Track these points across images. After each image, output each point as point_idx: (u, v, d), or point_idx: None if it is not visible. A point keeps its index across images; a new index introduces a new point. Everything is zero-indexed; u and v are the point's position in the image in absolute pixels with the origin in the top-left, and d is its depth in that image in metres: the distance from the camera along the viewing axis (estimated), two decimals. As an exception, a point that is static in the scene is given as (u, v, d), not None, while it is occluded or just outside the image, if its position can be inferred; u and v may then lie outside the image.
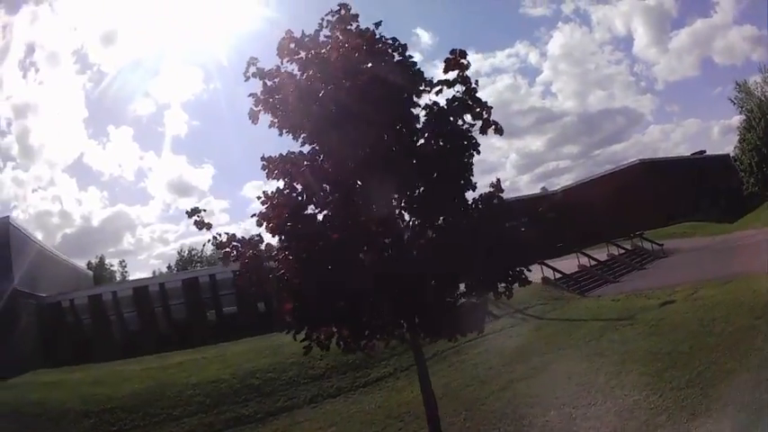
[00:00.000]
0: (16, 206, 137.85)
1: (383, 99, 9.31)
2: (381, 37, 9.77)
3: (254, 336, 32.16)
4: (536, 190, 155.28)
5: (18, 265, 42.19)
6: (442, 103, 10.09)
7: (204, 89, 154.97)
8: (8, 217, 45.12)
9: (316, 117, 9.48)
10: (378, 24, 9.76)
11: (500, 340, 22.64)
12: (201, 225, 9.78)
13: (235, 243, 9.91)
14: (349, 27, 9.66)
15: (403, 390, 18.64)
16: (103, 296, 50.68)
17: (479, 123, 10.02)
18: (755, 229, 39.13)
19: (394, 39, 9.90)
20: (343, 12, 9.70)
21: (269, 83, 9.85)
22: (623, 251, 39.52)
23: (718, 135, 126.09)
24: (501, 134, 10.18)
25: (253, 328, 35.99)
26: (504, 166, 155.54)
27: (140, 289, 51.23)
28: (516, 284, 10.33)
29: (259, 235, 9.92)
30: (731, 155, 64.98)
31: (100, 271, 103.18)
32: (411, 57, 9.98)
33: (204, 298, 49.83)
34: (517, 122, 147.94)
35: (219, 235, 9.85)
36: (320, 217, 9.80)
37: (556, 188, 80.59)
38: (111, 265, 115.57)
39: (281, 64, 9.89)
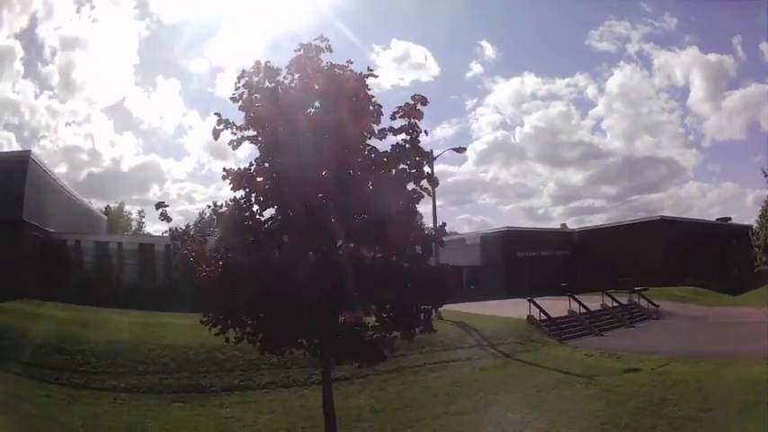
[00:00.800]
0: (45, 135, 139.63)
1: (337, 139, 9.97)
2: (348, 71, 10.43)
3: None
4: (569, 223, 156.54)
5: (31, 198, 43.52)
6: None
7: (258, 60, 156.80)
8: (29, 152, 47.09)
9: (275, 144, 10.30)
10: (349, 62, 10.50)
11: (460, 369, 23.26)
12: (164, 217, 10.80)
13: (184, 238, 10.87)
14: (318, 61, 10.39)
15: (351, 395, 19.25)
16: (110, 244, 51.88)
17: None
18: (754, 309, 38.59)
19: (361, 73, 10.52)
20: (313, 48, 10.44)
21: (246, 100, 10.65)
22: (617, 305, 39.38)
23: (752, 203, 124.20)
24: (436, 185, 11.01)
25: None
26: (542, 193, 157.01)
27: (146, 246, 52.33)
28: (419, 329, 10.59)
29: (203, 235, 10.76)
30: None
31: (116, 217, 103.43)
32: (373, 97, 10.55)
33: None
34: (562, 153, 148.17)
35: (176, 229, 10.78)
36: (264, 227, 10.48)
37: (581, 226, 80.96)
38: (130, 214, 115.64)
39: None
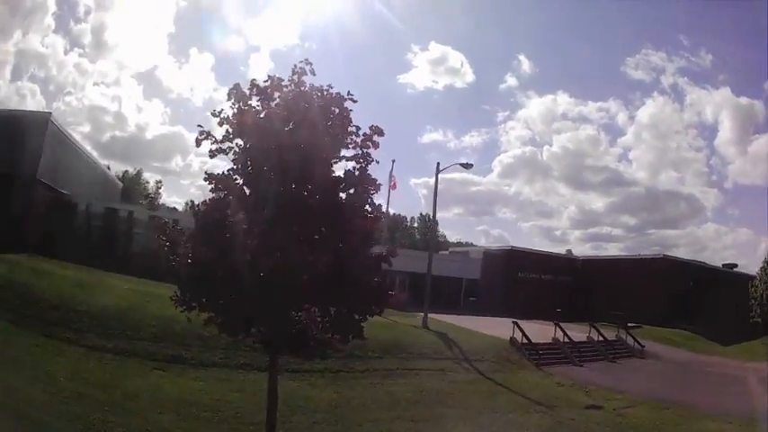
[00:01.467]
0: (71, 92, 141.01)
1: (306, 157, 11.03)
2: (329, 94, 11.49)
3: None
4: (585, 248, 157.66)
5: (47, 157, 44.62)
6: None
7: (297, 44, 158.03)
8: (50, 113, 48.32)
9: (251, 156, 11.47)
10: (330, 86, 11.54)
11: (429, 379, 24.12)
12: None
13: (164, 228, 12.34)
14: (300, 83, 11.52)
15: (318, 387, 20.26)
16: (120, 212, 53.21)
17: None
18: (739, 361, 39.43)
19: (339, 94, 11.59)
20: (297, 70, 11.55)
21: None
22: (602, 339, 39.61)
23: (762, 253, 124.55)
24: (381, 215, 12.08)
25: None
26: (561, 215, 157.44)
27: (156, 218, 53.04)
28: (351, 335, 11.61)
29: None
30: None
31: (133, 184, 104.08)
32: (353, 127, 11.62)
33: None
34: (587, 177, 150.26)
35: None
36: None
37: (585, 254, 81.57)
38: (147, 182, 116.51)
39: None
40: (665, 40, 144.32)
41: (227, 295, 11.13)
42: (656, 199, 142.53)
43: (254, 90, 11.58)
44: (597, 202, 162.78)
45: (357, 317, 11.45)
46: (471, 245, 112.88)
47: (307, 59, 11.64)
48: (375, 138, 11.58)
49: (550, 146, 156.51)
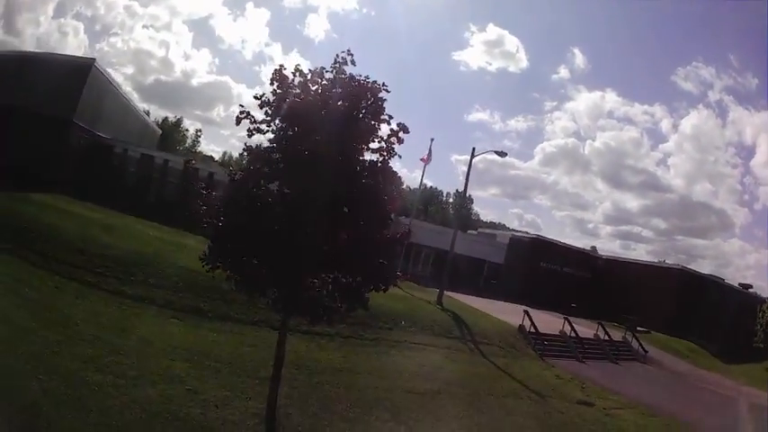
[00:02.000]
0: (117, 33, 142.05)
1: (334, 144, 11.95)
2: (366, 82, 12.30)
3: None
4: (614, 244, 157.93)
5: (87, 101, 46.41)
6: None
7: (356, 9, 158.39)
8: (94, 60, 49.48)
9: (292, 135, 12.33)
10: (367, 77, 12.38)
11: (432, 355, 25.11)
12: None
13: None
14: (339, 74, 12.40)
15: (326, 349, 21.15)
16: (156, 159, 53.92)
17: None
18: (736, 383, 39.68)
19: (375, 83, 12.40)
20: (338, 61, 12.42)
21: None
22: (608, 339, 39.98)
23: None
24: (395, 210, 13.05)
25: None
26: (596, 209, 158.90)
27: (192, 169, 53.90)
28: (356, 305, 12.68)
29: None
30: (769, 302, 64.90)
31: (172, 132, 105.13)
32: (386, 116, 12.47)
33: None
34: (625, 176, 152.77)
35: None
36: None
37: (608, 254, 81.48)
38: (186, 130, 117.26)
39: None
40: (716, 56, 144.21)
41: (250, 259, 11.92)
42: (688, 207, 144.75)
43: (298, 75, 12.31)
44: (632, 202, 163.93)
45: (363, 290, 12.22)
46: (503, 226, 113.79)
47: (348, 50, 12.48)
48: (401, 134, 12.46)
49: (593, 141, 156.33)
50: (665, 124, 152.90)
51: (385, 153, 12.50)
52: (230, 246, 12.19)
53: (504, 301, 45.20)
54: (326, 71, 12.45)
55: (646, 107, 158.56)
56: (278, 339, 13.38)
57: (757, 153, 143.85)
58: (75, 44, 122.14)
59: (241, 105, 12.64)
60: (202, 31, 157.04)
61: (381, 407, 16.95)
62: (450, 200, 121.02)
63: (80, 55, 57.16)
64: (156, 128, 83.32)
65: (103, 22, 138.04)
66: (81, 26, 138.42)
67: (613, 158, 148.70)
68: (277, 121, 12.47)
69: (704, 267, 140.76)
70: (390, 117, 12.44)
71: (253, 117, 12.55)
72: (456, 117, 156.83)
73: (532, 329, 33.94)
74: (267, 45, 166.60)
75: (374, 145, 12.56)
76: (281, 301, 12.69)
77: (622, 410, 23.68)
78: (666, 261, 72.71)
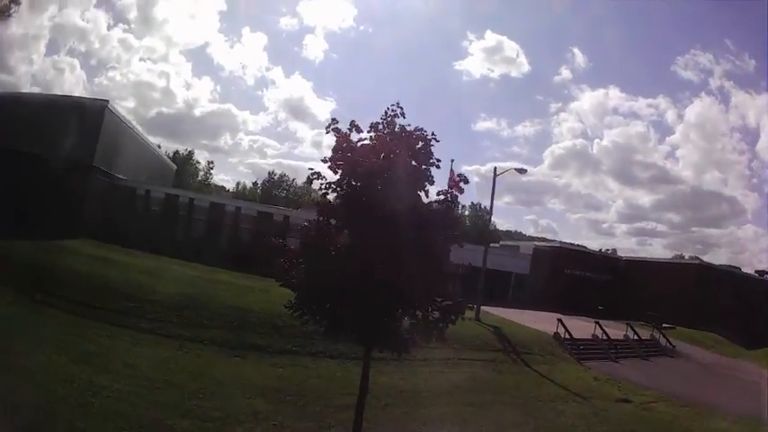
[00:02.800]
0: (115, 67, 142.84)
1: (398, 190, 12.83)
2: (417, 132, 13.32)
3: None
4: (631, 242, 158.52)
5: (104, 145, 46.92)
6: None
7: (353, 26, 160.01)
8: (107, 101, 49.89)
9: (354, 189, 13.27)
10: (418, 128, 13.35)
11: (481, 369, 26.49)
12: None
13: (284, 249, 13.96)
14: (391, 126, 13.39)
15: (386, 374, 21.67)
16: (180, 198, 54.84)
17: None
18: (759, 366, 40.66)
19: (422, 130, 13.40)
20: (389, 115, 13.43)
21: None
22: (637, 337, 41.39)
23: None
24: (461, 246, 13.81)
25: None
26: (609, 208, 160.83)
27: (217, 205, 55.37)
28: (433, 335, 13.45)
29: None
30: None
31: (185, 165, 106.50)
32: (435, 160, 13.37)
33: (270, 233, 52.82)
34: (635, 172, 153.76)
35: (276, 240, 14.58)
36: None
37: (628, 255, 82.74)
38: (198, 162, 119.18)
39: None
40: (713, 42, 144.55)
41: (335, 304, 13.02)
42: (700, 198, 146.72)
43: (354, 130, 13.40)
44: (644, 198, 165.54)
45: (440, 323, 13.28)
46: (520, 234, 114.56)
47: (398, 103, 13.51)
48: (461, 184, 13.51)
49: (601, 140, 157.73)
50: (670, 115, 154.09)
51: (449, 201, 13.48)
52: (314, 293, 13.12)
53: (534, 310, 46.13)
54: (380, 124, 13.46)
55: (650, 100, 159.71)
56: (362, 371, 14.24)
57: (762, 136, 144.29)
58: (72, 80, 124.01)
59: (310, 169, 13.60)
60: (201, 60, 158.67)
61: (449, 422, 18.14)
62: (467, 212, 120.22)
63: (92, 96, 57.81)
64: (172, 163, 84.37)
65: (99, 57, 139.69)
66: (76, 62, 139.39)
67: (622, 155, 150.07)
68: (339, 176, 13.44)
69: (720, 256, 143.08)
70: (439, 161, 13.42)
71: (324, 176, 13.48)
72: (463, 127, 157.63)
73: (567, 336, 35.13)
74: (268, 69, 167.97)
75: (432, 189, 13.40)
76: (365, 338, 13.69)
77: (657, 404, 25.06)
78: (683, 254, 73.89)
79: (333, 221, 13.51)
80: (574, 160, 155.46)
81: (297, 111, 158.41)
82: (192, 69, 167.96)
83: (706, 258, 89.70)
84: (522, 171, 45.12)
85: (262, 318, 25.28)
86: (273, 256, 13.76)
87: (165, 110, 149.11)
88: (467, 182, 13.56)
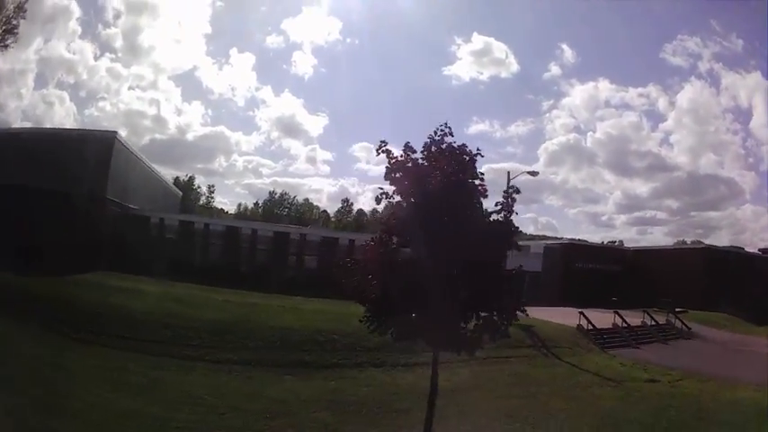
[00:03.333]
0: (104, 97, 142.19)
1: (452, 202, 13.96)
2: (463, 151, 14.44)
3: (325, 297, 35.37)
4: (631, 232, 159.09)
5: (115, 176, 47.73)
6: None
7: (339, 39, 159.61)
8: (116, 132, 50.91)
9: (411, 203, 14.39)
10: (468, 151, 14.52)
11: (519, 364, 27.73)
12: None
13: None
14: (442, 147, 14.43)
15: (427, 377, 22.76)
16: (195, 224, 56.21)
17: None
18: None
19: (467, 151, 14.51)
20: (438, 136, 14.51)
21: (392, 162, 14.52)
22: (654, 323, 42.95)
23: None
24: (518, 250, 15.17)
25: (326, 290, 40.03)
26: (607, 200, 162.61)
27: (232, 228, 56.53)
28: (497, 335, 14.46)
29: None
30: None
31: (187, 190, 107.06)
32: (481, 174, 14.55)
33: (288, 251, 55.06)
34: (631, 162, 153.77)
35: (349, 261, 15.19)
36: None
37: (635, 245, 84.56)
38: (199, 187, 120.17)
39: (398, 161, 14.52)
40: (699, 25, 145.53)
41: (405, 314, 14.00)
42: (697, 182, 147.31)
43: (409, 151, 14.44)
44: (641, 187, 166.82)
45: (503, 323, 14.26)
46: (520, 232, 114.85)
47: (446, 123, 14.64)
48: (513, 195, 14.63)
49: (594, 132, 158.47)
50: (662, 103, 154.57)
51: (505, 212, 14.49)
52: (386, 306, 14.04)
53: (551, 306, 46.97)
54: (432, 144, 14.49)
55: (640, 89, 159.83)
56: (431, 372, 15.24)
57: (754, 114, 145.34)
58: (62, 113, 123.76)
59: (380, 187, 14.70)
60: (190, 84, 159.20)
61: (503, 413, 19.14)
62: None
63: (102, 129, 57.53)
64: (177, 190, 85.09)
65: (88, 88, 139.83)
66: (65, 95, 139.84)
67: (616, 147, 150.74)
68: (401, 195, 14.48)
69: (722, 238, 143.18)
70: (482, 174, 14.57)
71: (389, 194, 14.58)
72: (456, 132, 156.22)
73: (590, 327, 36.19)
74: (257, 89, 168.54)
75: (487, 202, 14.58)
76: (437, 342, 14.68)
77: (683, 381, 26.50)
78: (685, 239, 74.93)
79: (395, 238, 14.59)
80: (568, 155, 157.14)
81: (289, 128, 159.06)
82: (182, 94, 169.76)
83: (708, 242, 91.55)
84: (533, 174, 45.61)
85: (302, 335, 26.26)
86: (344, 276, 14.71)
87: (157, 136, 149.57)
88: (518, 192, 14.67)
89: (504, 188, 14.91)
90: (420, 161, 14.39)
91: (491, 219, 14.46)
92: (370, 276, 14.30)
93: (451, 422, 16.88)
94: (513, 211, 14.58)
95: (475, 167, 14.47)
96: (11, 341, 20.89)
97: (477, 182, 14.44)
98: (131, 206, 51.99)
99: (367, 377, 23.08)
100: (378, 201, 14.76)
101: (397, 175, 14.32)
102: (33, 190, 40.99)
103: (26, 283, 28.31)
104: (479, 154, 14.55)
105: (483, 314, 14.30)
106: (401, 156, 14.42)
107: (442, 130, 14.53)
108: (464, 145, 14.55)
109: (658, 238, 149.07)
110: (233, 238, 54.46)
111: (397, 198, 14.56)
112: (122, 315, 25.98)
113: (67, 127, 61.40)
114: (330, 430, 16.64)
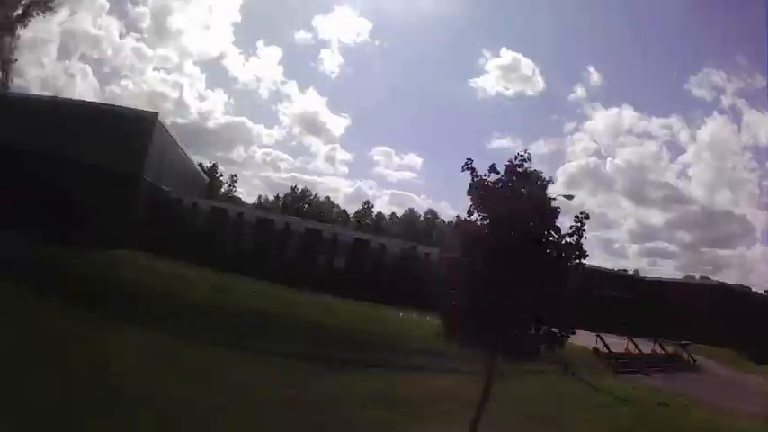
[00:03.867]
0: (128, 76, 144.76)
1: (527, 221, 15.58)
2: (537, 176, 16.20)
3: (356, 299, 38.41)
4: (639, 264, 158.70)
5: (152, 157, 48.36)
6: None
7: (368, 41, 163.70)
8: (157, 113, 51.06)
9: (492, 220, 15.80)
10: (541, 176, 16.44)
11: (545, 379, 29.63)
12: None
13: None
14: (519, 170, 15.86)
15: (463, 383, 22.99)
16: (228, 211, 57.17)
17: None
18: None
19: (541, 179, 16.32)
20: (518, 161, 15.92)
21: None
22: (663, 352, 45.53)
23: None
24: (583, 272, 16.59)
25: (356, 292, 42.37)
26: (621, 227, 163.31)
27: (266, 221, 57.68)
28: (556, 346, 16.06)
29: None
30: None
31: (210, 178, 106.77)
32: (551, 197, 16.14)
33: (319, 250, 56.02)
34: (647, 192, 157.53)
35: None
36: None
37: (652, 276, 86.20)
38: (221, 175, 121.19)
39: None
40: (725, 60, 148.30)
41: (477, 326, 15.53)
42: (711, 217, 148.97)
43: (491, 174, 15.86)
44: (656, 218, 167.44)
45: (561, 335, 15.94)
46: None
47: (526, 149, 16.23)
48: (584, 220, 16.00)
49: (614, 158, 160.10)
50: (683, 135, 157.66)
51: (577, 235, 15.89)
52: (461, 319, 15.62)
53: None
54: (512, 167, 15.86)
55: (662, 120, 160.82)
56: (487, 378, 16.45)
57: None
58: (83, 87, 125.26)
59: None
60: (215, 72, 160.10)
61: (539, 421, 21.29)
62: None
63: (143, 109, 58.15)
64: (204, 176, 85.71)
65: (112, 65, 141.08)
66: (88, 69, 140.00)
67: (635, 175, 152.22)
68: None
69: (730, 276, 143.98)
70: (553, 199, 16.14)
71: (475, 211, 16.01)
72: (477, 146, 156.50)
73: (605, 350, 37.91)
74: (282, 83, 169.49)
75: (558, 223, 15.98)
76: (500, 350, 16.18)
77: (689, 407, 29.03)
78: (693, 275, 76.66)
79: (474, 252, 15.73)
80: (586, 179, 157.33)
81: (311, 125, 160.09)
82: (207, 81, 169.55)
83: (716, 278, 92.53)
84: (569, 198, 46.24)
85: (340, 333, 27.69)
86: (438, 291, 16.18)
87: (179, 120, 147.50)
88: (587, 218, 16.15)
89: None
90: (501, 182, 15.75)
91: (563, 242, 15.81)
92: (453, 290, 15.71)
93: (497, 423, 17.96)
94: (583, 236, 15.89)
95: (545, 188, 16.22)
96: (51, 319, 21.29)
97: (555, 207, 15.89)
98: (163, 188, 52.69)
99: (409, 379, 24.39)
100: (470, 213, 15.98)
101: (480, 192, 15.74)
102: (71, 161, 41.69)
103: (59, 255, 28.96)
104: (551, 181, 16.39)
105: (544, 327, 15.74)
106: (485, 175, 15.80)
107: (521, 155, 15.91)
108: (538, 171, 16.24)
109: (669, 270, 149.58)
110: (265, 230, 55.50)
111: (475, 215, 15.92)
112: (165, 297, 26.75)
113: (117, 104, 60.63)
114: (384, 423, 17.78)
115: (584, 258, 16.28)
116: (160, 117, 51.00)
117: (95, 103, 66.89)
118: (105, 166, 43.05)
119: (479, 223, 15.96)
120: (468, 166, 15.96)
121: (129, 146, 45.78)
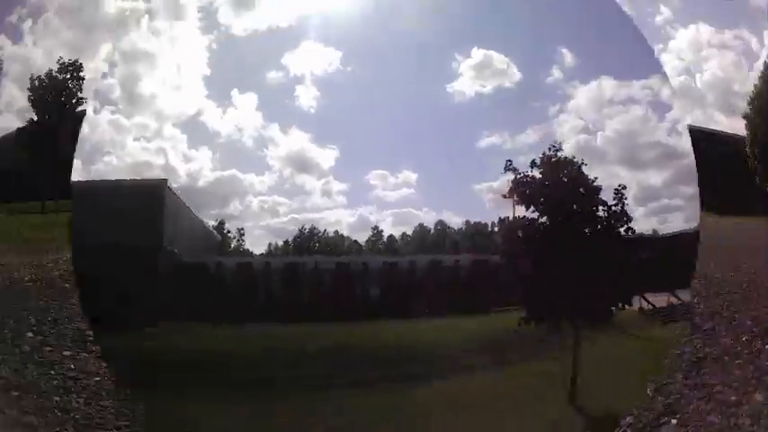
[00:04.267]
0: (110, 152, 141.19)
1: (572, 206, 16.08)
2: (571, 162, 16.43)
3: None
4: (649, 224, 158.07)
5: (168, 224, 47.28)
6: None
7: (339, 69, 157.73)
8: (166, 180, 50.12)
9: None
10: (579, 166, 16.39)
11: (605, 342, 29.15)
12: None
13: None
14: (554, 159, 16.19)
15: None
16: (254, 264, 55.80)
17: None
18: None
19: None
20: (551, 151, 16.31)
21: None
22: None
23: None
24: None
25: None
26: (623, 196, 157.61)
27: (294, 264, 55.63)
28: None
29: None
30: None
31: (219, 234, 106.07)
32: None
33: (355, 279, 53.30)
34: (641, 155, 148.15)
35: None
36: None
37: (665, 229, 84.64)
38: (228, 232, 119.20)
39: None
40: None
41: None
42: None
43: (532, 166, 16.15)
44: (654, 178, 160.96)
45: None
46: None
47: (556, 140, 16.84)
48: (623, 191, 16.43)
49: (603, 131, 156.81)
50: (665, 93, 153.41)
51: (620, 204, 16.25)
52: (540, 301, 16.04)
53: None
54: (549, 158, 16.16)
55: (643, 81, 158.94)
56: (574, 354, 16.61)
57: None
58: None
59: (504, 196, 16.62)
60: (196, 130, 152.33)
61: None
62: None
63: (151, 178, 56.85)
64: (216, 233, 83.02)
65: (91, 142, 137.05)
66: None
67: (625, 142, 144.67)
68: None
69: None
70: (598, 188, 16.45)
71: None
72: (466, 147, 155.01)
73: (649, 307, 38.64)
74: (264, 127, 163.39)
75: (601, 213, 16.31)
76: (578, 314, 16.36)
77: None
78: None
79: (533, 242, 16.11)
80: (580, 156, 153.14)
81: (301, 164, 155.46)
82: (188, 141, 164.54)
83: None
84: None
85: (401, 350, 26.77)
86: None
87: (170, 185, 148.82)
88: (625, 188, 16.64)
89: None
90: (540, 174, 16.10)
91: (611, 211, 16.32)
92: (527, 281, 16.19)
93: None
94: (626, 203, 16.48)
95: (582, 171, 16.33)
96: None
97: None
98: (179, 254, 50.81)
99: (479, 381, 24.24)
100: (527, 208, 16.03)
101: (523, 190, 15.99)
102: (93, 246, 40.29)
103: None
104: (584, 163, 16.33)
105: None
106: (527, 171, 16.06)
107: (553, 146, 16.36)
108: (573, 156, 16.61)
109: (678, 224, 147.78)
110: (293, 273, 53.68)
111: (522, 211, 16.11)
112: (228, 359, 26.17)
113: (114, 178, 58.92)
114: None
115: (630, 222, 16.58)
116: (169, 183, 49.67)
117: (102, 180, 65.71)
118: (126, 241, 42.03)
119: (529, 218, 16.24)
120: (509, 167, 16.25)
121: (146, 218, 44.72)
